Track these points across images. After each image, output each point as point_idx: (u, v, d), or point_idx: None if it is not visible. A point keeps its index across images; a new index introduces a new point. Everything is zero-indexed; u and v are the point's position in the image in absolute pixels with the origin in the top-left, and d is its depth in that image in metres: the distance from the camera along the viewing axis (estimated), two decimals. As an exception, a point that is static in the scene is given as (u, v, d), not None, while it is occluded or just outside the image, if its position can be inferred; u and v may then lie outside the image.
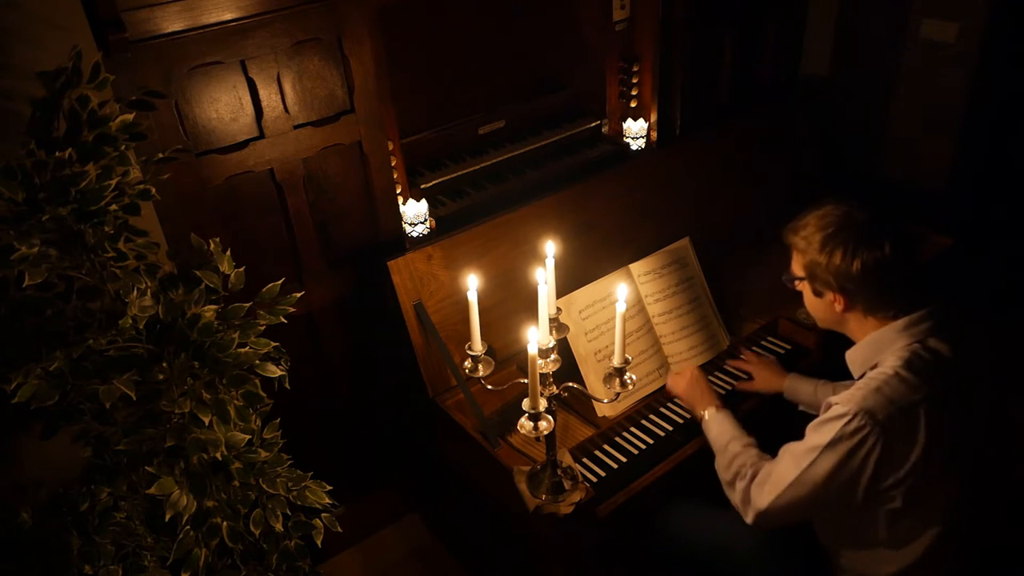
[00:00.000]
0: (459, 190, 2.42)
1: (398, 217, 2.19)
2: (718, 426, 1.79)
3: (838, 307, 1.58)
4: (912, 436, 1.46)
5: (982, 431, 1.63)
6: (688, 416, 2.06)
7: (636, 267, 2.24)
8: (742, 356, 2.19)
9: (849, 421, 1.46)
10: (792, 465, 1.54)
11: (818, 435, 1.51)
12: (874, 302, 1.55)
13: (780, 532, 1.79)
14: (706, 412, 1.83)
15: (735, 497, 1.66)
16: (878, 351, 1.56)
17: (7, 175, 1.18)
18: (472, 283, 1.60)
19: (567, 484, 1.74)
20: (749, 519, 1.62)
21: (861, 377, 1.57)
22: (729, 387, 2.15)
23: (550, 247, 1.66)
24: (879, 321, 1.57)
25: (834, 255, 1.53)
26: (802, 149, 2.85)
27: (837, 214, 1.56)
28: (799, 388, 1.98)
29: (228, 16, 1.74)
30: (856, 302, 1.56)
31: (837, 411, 1.49)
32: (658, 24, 2.52)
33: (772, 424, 1.79)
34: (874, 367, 1.55)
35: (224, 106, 1.83)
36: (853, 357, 1.63)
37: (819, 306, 1.64)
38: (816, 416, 1.56)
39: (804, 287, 1.65)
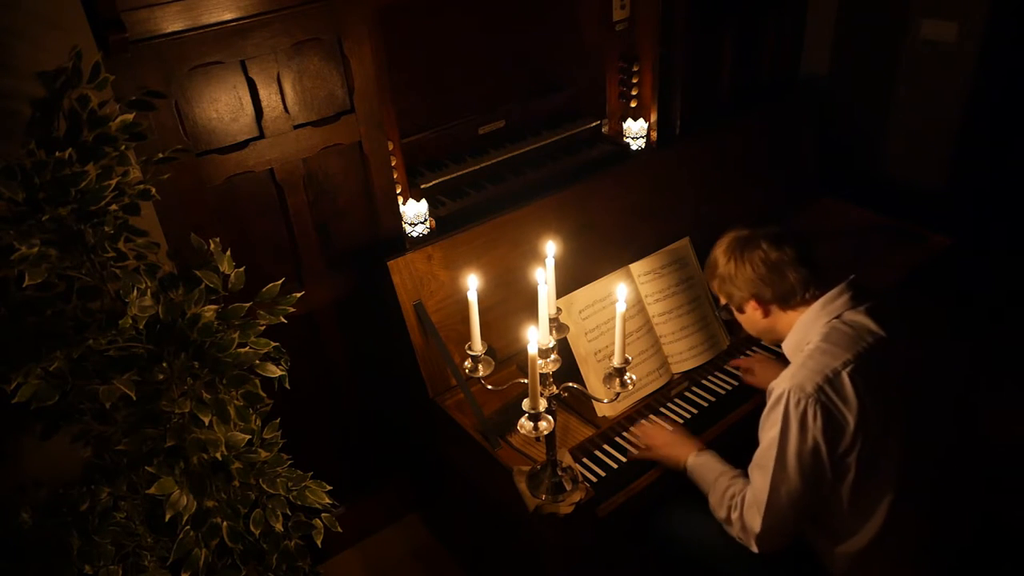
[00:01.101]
0: (459, 190, 2.42)
1: (398, 217, 2.19)
2: (702, 467, 1.81)
3: (759, 313, 1.76)
4: (845, 400, 1.55)
5: (933, 404, 1.69)
6: (688, 416, 2.07)
7: (636, 267, 2.24)
8: (740, 358, 2.21)
9: (787, 401, 1.56)
10: (761, 475, 1.61)
11: (768, 429, 1.61)
12: (780, 294, 1.71)
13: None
14: (688, 459, 1.84)
15: (735, 531, 1.69)
16: (804, 334, 1.69)
17: (7, 175, 1.18)
18: (472, 283, 1.60)
19: (567, 484, 1.74)
20: (753, 547, 1.66)
21: None
22: (730, 387, 2.15)
23: (550, 247, 1.66)
24: (798, 311, 1.72)
25: (731, 267, 1.76)
26: (802, 149, 2.86)
27: (727, 240, 1.80)
28: None
29: (228, 16, 1.74)
30: (769, 300, 1.73)
31: (775, 396, 1.60)
32: (658, 24, 2.52)
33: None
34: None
35: (224, 106, 1.83)
36: (788, 347, 1.76)
37: (749, 321, 1.82)
38: None
39: (733, 311, 1.83)
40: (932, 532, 1.70)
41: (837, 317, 1.65)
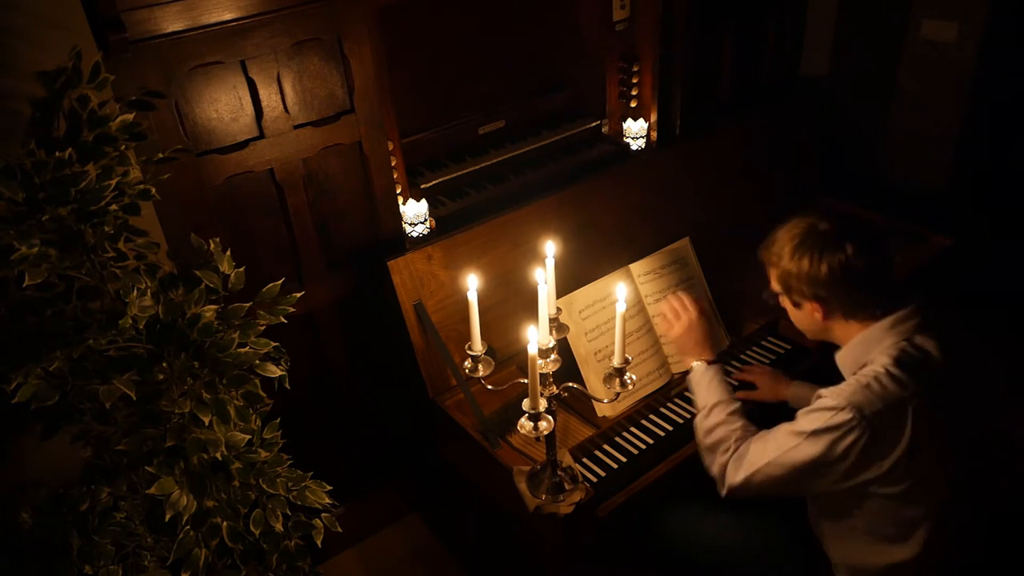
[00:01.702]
0: (459, 190, 2.42)
1: (398, 217, 2.19)
2: (705, 385, 1.78)
3: (818, 316, 1.61)
4: (898, 432, 1.48)
5: (973, 429, 1.64)
6: (688, 416, 2.07)
7: (636, 267, 2.24)
8: (743, 369, 2.16)
9: (837, 414, 1.48)
10: (773, 446, 1.57)
11: (804, 422, 1.54)
12: (849, 305, 1.57)
13: (779, 532, 1.80)
14: (695, 363, 1.81)
15: (712, 468, 1.68)
16: (866, 351, 1.57)
17: (7, 175, 1.18)
18: (472, 283, 1.60)
19: (567, 484, 1.74)
20: (722, 492, 1.65)
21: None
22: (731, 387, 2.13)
23: (550, 247, 1.66)
24: (862, 323, 1.59)
25: (802, 263, 1.56)
26: (802, 149, 2.86)
27: (802, 225, 1.60)
28: (804, 395, 1.97)
29: (228, 16, 1.74)
30: (833, 308, 1.59)
31: (826, 403, 1.51)
32: (658, 24, 2.52)
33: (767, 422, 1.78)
34: (864, 366, 1.56)
35: (224, 106, 1.83)
36: (843, 359, 1.64)
37: (801, 318, 1.67)
38: None
39: (784, 301, 1.68)
40: (956, 547, 1.66)
41: (907, 339, 1.54)
